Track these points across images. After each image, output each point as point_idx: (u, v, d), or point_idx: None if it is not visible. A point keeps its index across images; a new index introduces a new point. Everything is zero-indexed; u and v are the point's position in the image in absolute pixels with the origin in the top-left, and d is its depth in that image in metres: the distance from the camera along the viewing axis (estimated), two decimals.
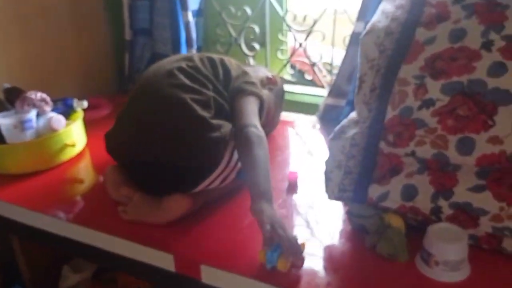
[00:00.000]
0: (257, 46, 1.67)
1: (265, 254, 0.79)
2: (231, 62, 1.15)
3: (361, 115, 0.87)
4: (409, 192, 0.83)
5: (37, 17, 1.47)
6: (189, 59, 1.09)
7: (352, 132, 0.87)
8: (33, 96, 1.17)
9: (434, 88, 0.79)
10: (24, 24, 1.43)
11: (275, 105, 1.29)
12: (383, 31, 0.87)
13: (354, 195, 0.87)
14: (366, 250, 0.85)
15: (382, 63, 0.85)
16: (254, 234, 0.89)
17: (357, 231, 0.89)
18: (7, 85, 1.27)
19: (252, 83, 1.11)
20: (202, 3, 1.59)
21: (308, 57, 1.59)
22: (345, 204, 0.90)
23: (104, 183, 1.07)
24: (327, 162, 0.90)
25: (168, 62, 1.08)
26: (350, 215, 0.89)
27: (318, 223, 0.95)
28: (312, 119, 1.51)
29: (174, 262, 0.90)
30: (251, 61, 1.70)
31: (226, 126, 0.97)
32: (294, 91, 1.65)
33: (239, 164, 1.00)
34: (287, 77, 1.74)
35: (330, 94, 1.39)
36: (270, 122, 1.30)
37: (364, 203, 0.86)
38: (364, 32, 0.90)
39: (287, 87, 1.67)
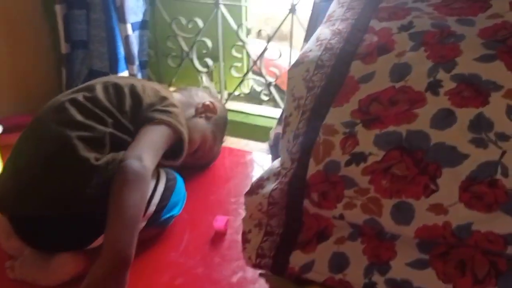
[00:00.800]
0: (210, 61, 1.52)
1: None
2: (147, 88, 0.99)
3: (284, 165, 0.71)
4: (339, 262, 0.67)
5: None
6: (90, 88, 0.93)
7: (270, 187, 0.71)
8: None
9: (366, 140, 0.64)
10: None
11: (213, 135, 1.13)
12: (314, 64, 0.72)
13: (273, 263, 0.71)
14: None
15: (309, 104, 0.69)
16: None
17: None
18: None
19: (166, 111, 0.95)
20: (146, 14, 1.43)
21: (264, 76, 1.44)
22: (263, 274, 0.75)
23: None
24: (244, 220, 0.74)
25: (65, 94, 0.92)
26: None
27: None
28: (265, 147, 1.35)
29: None
30: (204, 78, 1.55)
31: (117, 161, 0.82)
32: (248, 112, 1.50)
33: (150, 210, 0.85)
34: (241, 96, 1.59)
35: (280, 121, 1.23)
36: (206, 154, 1.15)
37: (284, 275, 0.70)
38: (293, 63, 0.74)
39: (241, 106, 1.52)
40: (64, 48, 1.43)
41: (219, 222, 0.95)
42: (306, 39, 1.09)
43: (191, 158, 1.09)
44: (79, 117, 0.85)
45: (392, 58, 0.68)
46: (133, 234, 0.76)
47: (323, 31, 0.77)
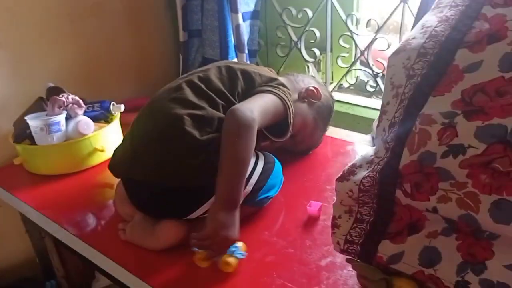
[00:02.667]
0: (317, 51, 1.53)
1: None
2: (258, 71, 1.03)
3: (378, 154, 0.70)
4: (430, 257, 0.65)
5: (92, 16, 1.48)
6: (205, 70, 1.00)
7: (362, 175, 0.70)
8: (64, 98, 1.16)
9: (466, 131, 0.60)
10: (76, 23, 1.44)
11: (314, 122, 1.14)
12: (416, 51, 0.69)
13: (361, 251, 0.71)
14: None
15: (408, 93, 0.67)
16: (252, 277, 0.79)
17: None
18: (50, 85, 1.28)
19: (276, 86, 0.99)
20: (258, 5, 1.48)
21: (370, 67, 1.41)
22: (350, 260, 0.75)
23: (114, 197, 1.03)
24: (335, 206, 0.75)
25: (183, 77, 1.00)
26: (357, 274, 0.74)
27: (328, 277, 0.80)
28: (368, 138, 1.33)
29: None
30: (311, 68, 1.56)
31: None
32: (353, 103, 1.48)
33: (247, 190, 0.89)
34: (347, 86, 1.58)
35: None
36: (306, 140, 1.16)
37: (371, 263, 0.70)
38: (394, 51, 0.72)
39: (346, 97, 1.51)
40: (182, 36, 1.54)
41: (313, 207, 0.96)
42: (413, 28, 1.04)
43: (291, 141, 1.11)
44: (192, 97, 0.92)
45: (503, 46, 0.64)
46: (240, 181, 0.83)
47: (429, 18, 0.74)
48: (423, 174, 0.63)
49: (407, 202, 0.67)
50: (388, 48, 1.35)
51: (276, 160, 1.01)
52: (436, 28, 0.71)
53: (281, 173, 1.02)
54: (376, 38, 1.37)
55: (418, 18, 1.04)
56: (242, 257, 0.82)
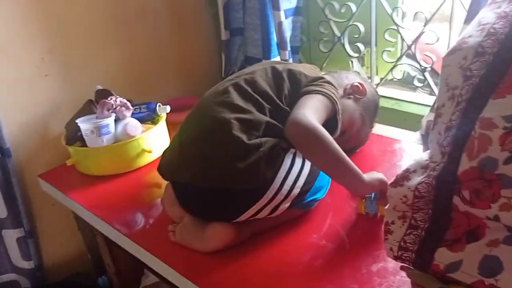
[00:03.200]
0: (361, 46, 1.49)
1: (365, 205, 0.94)
2: (304, 70, 1.02)
3: (434, 158, 0.68)
4: (491, 266, 0.63)
5: (137, 19, 1.50)
6: (251, 72, 0.99)
7: (417, 180, 0.68)
8: (112, 101, 1.19)
9: None
10: (122, 27, 1.47)
11: (361, 118, 1.11)
12: (473, 51, 0.66)
13: (416, 258, 0.69)
14: None
15: (465, 95, 0.64)
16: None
17: None
18: (99, 87, 1.32)
19: (321, 85, 0.97)
20: (300, 1, 1.46)
21: (418, 61, 1.37)
22: (405, 267, 0.73)
23: (162, 198, 1.04)
24: (388, 211, 0.73)
25: (229, 79, 1.00)
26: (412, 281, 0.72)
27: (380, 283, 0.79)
28: (416, 136, 1.29)
29: None
30: (355, 63, 1.53)
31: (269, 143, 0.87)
32: (400, 98, 1.44)
33: (294, 192, 0.89)
34: (393, 81, 1.53)
35: (433, 108, 1.17)
36: (353, 137, 1.14)
37: (427, 271, 0.68)
38: (449, 50, 0.69)
39: (392, 92, 1.47)
40: (224, 35, 1.54)
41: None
42: (467, 21, 1.00)
43: (338, 140, 1.09)
44: (239, 101, 0.92)
45: None
46: (346, 169, 0.88)
47: (486, 15, 0.71)
48: (484, 181, 0.60)
49: (465, 209, 0.64)
50: (437, 41, 1.30)
51: None
52: (494, 26, 0.67)
53: None
54: (424, 32, 1.32)
55: (471, 8, 0.99)
56: None
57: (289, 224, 0.95)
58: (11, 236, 1.34)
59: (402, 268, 0.72)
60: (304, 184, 0.91)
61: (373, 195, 0.94)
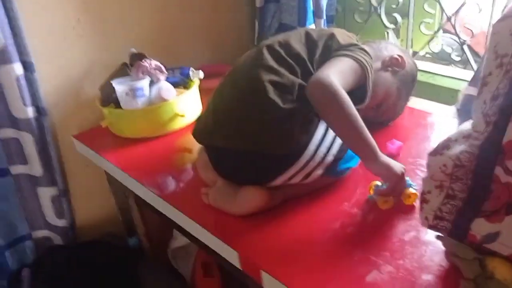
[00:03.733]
0: (398, 17, 1.46)
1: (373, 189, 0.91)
2: (338, 37, 1.00)
3: (477, 128, 0.66)
4: None
5: None
6: (285, 36, 0.98)
7: (458, 149, 0.67)
8: (147, 64, 1.20)
9: None
10: None
11: (398, 91, 1.10)
12: None
13: (452, 228, 0.69)
14: None
15: None
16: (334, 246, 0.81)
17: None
18: (133, 50, 1.32)
19: (353, 50, 0.95)
20: None
21: (457, 34, 1.33)
22: (441, 237, 0.73)
23: (196, 162, 1.06)
24: (425, 180, 0.72)
25: (266, 41, 0.99)
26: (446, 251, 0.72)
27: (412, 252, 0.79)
28: (451, 110, 1.26)
29: (239, 259, 0.84)
30: (390, 34, 1.50)
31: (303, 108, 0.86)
32: (435, 72, 1.41)
33: (328, 159, 0.89)
34: (428, 55, 1.50)
35: (472, 82, 1.14)
36: (389, 110, 1.13)
37: (463, 241, 0.68)
38: (499, 17, 0.67)
39: (427, 66, 1.44)
40: (258, 1, 1.52)
41: (394, 145, 1.00)
42: None
43: (374, 112, 1.08)
44: (272, 62, 0.91)
45: None
46: (362, 137, 0.84)
47: None
48: None
49: (507, 180, 0.63)
50: (480, 11, 1.26)
51: None
52: None
53: None
54: (465, 3, 1.28)
55: None
56: (416, 187, 0.90)
57: (320, 191, 0.95)
58: (46, 194, 1.38)
59: (438, 237, 0.73)
60: (338, 151, 0.91)
61: (382, 186, 0.90)
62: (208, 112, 0.98)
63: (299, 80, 0.89)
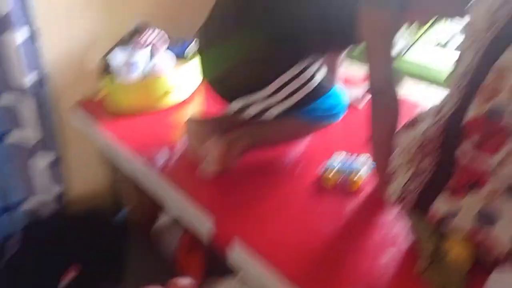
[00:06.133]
0: None
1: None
2: None
3: (450, 102, 0.66)
4: (488, 217, 0.63)
5: None
6: None
7: (426, 124, 0.68)
8: (149, 33, 1.21)
9: None
10: None
11: None
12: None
13: (417, 202, 0.69)
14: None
15: (486, 40, 0.63)
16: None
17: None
18: (138, 21, 1.33)
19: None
20: None
21: None
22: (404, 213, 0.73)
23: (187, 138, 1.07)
24: (395, 155, 0.73)
25: None
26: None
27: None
28: None
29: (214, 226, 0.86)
30: None
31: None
32: None
33: (296, 98, 0.92)
34: None
35: None
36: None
37: (423, 218, 0.68)
38: None
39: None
40: None
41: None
42: None
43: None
44: None
45: None
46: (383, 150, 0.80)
47: None
48: (494, 127, 0.60)
49: (472, 155, 0.63)
50: None
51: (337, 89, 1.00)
52: None
53: (342, 101, 1.01)
54: None
55: None
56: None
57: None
58: (42, 160, 1.39)
59: (402, 210, 0.73)
60: (303, 97, 0.93)
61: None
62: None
63: None
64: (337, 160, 0.94)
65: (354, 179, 0.89)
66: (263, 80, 0.90)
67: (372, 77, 0.81)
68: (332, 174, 0.90)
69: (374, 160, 0.85)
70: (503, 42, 0.60)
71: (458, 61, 0.67)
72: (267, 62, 0.89)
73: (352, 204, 0.87)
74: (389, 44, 0.80)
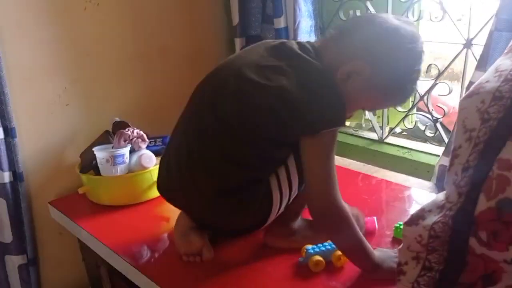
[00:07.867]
0: None
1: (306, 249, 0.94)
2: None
3: (450, 199, 0.68)
4: None
5: (158, 56, 1.55)
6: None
7: (432, 219, 0.68)
8: (129, 132, 1.21)
9: None
10: (144, 63, 1.52)
11: (374, 95, 0.91)
12: (491, 95, 0.68)
13: None
14: None
15: (483, 137, 0.66)
16: None
17: None
18: (116, 119, 1.35)
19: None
20: None
21: (430, 112, 1.39)
22: None
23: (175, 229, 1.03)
24: (400, 251, 0.72)
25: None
26: None
27: None
28: (428, 185, 1.29)
29: None
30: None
31: None
32: (411, 147, 1.46)
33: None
34: (403, 134, 1.55)
35: (445, 152, 1.18)
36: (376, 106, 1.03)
37: None
38: (466, 94, 0.71)
39: (403, 142, 1.49)
40: None
41: (369, 224, 1.04)
42: (479, 68, 1.04)
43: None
44: None
45: None
46: (358, 256, 0.88)
47: (503, 62, 0.73)
48: (502, 222, 0.61)
49: (482, 252, 0.64)
50: (449, 93, 1.33)
51: None
52: (511, 72, 0.69)
53: None
54: (437, 84, 1.35)
55: (483, 57, 1.03)
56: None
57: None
58: (14, 262, 1.33)
59: None
60: None
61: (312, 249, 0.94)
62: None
63: None
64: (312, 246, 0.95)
65: (337, 255, 0.92)
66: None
67: (317, 199, 0.86)
68: (316, 258, 0.91)
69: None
70: (500, 137, 0.63)
71: (453, 158, 0.69)
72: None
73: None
74: (333, 161, 0.86)
